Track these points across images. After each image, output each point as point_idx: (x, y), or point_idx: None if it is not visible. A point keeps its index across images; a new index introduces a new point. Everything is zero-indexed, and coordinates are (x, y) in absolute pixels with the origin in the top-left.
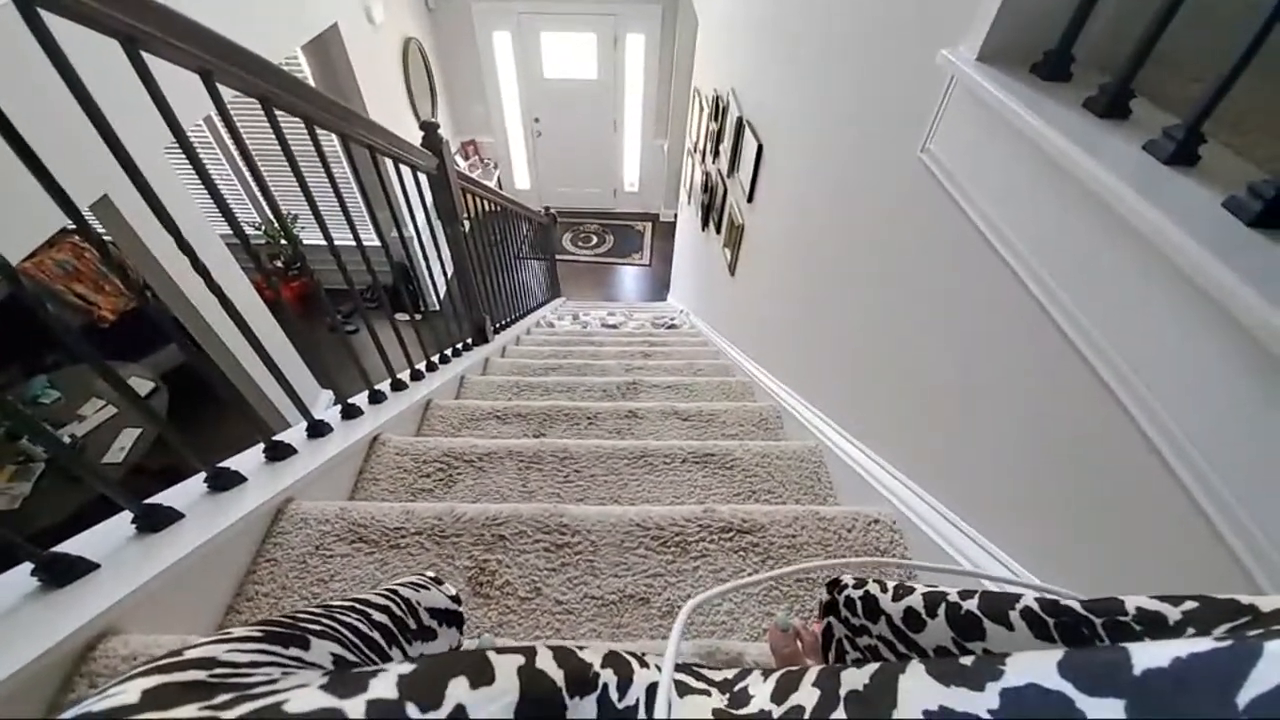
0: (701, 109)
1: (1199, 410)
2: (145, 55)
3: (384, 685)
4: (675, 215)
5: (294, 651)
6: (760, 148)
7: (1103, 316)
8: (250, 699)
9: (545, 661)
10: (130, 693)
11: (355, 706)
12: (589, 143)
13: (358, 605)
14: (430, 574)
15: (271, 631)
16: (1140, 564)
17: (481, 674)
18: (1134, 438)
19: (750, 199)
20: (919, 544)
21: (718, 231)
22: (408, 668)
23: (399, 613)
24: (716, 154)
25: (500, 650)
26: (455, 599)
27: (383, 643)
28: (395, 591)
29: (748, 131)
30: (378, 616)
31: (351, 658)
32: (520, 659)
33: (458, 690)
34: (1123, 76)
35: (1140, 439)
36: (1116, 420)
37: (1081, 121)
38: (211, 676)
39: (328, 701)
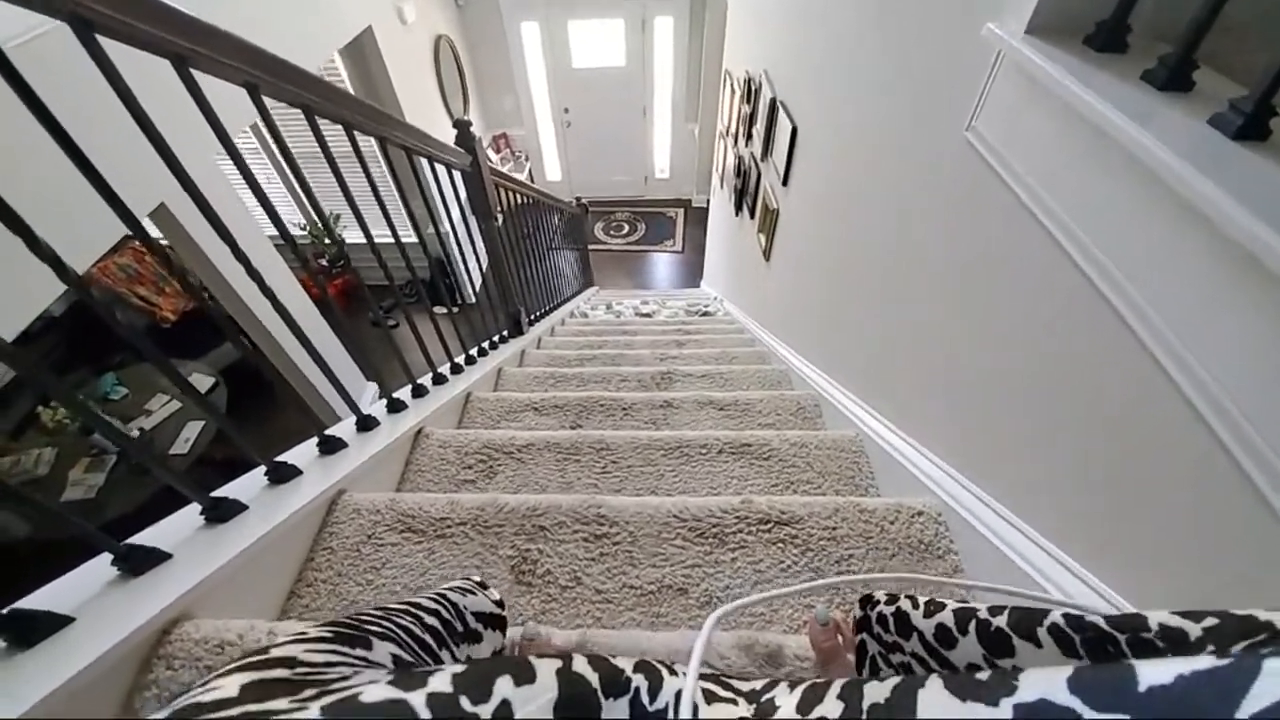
0: (733, 92)
1: (1265, 399)
2: (194, 72)
3: (441, 681)
4: (707, 201)
5: (359, 652)
6: (795, 130)
7: (1164, 301)
8: (330, 694)
9: (581, 666)
10: (230, 687)
11: (417, 698)
12: (619, 130)
13: (411, 609)
14: (476, 578)
15: (340, 633)
16: (1192, 552)
17: (524, 674)
18: (1189, 420)
19: (785, 182)
20: (964, 536)
21: (751, 216)
22: (460, 667)
23: (447, 615)
24: (749, 137)
25: (540, 655)
26: (499, 604)
27: (433, 644)
28: (444, 596)
29: (782, 113)
30: (429, 620)
31: (407, 658)
32: (558, 663)
33: (503, 687)
34: (1184, 46)
35: (1197, 421)
36: (1172, 404)
37: (1140, 95)
38: (295, 674)
39: (394, 694)
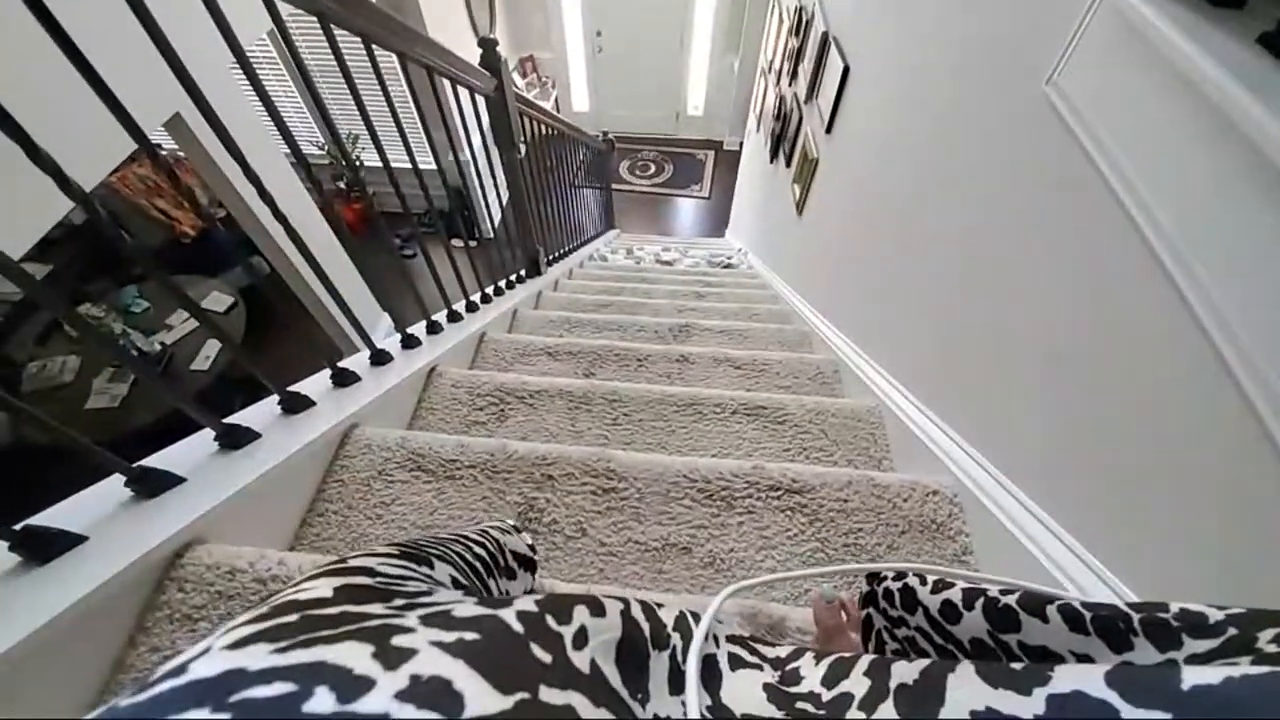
0: (781, 22)
1: None
2: None
3: (525, 603)
4: (740, 144)
5: (425, 570)
6: (846, 70)
7: (1250, 307)
8: (420, 606)
9: (637, 612)
10: (323, 588)
11: (508, 614)
12: (653, 59)
13: (461, 539)
14: (511, 522)
15: (405, 551)
16: (1229, 570)
17: (597, 606)
18: (1267, 454)
19: (829, 130)
20: (978, 519)
21: (787, 165)
22: (539, 595)
23: (492, 550)
24: (794, 75)
25: (605, 594)
26: (531, 548)
27: (483, 571)
28: (487, 532)
29: (833, 50)
30: (477, 550)
31: (463, 581)
32: (620, 604)
33: (581, 614)
34: None
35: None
36: (1245, 421)
37: (1256, 61)
38: (377, 583)
39: (486, 610)
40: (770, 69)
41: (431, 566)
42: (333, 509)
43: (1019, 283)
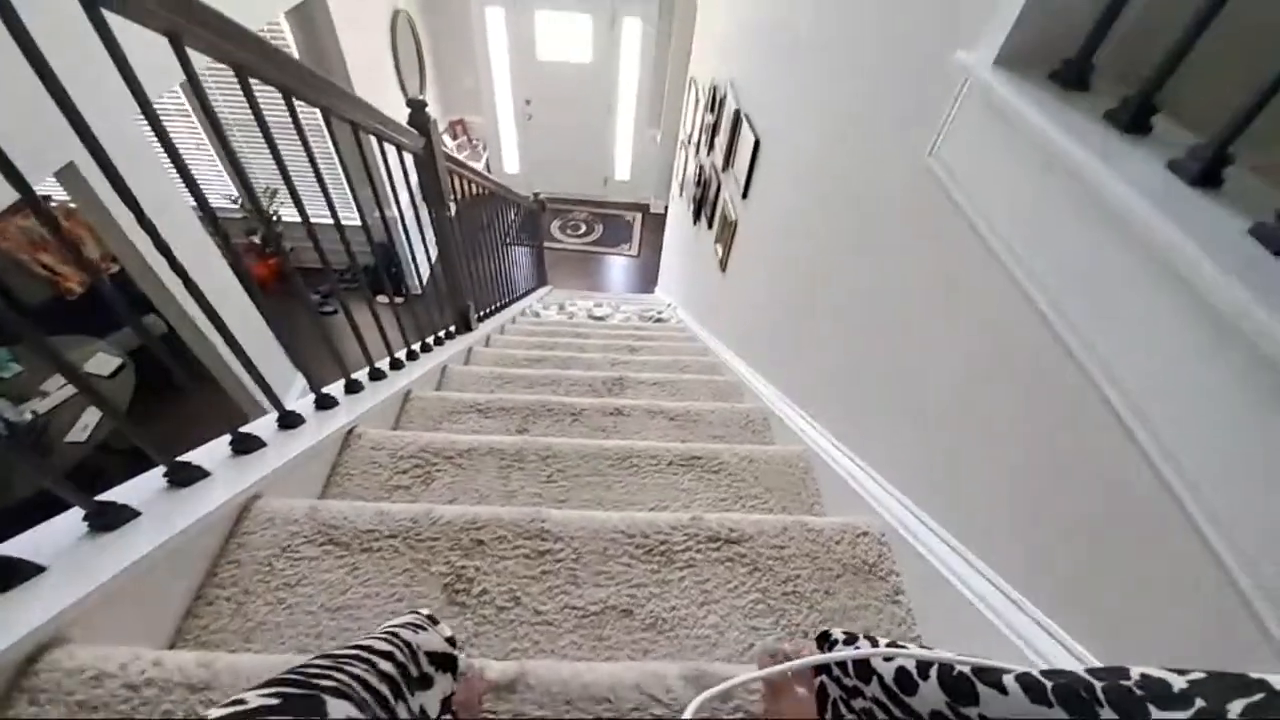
0: (697, 100)
1: (1209, 442)
2: (107, 14)
3: None
4: (666, 207)
5: None
6: (757, 142)
7: (1115, 339)
8: None
9: None
10: None
11: None
12: (581, 128)
13: (363, 653)
14: (425, 611)
15: (287, 696)
16: (1152, 610)
17: None
18: (1142, 469)
19: (745, 195)
20: (908, 559)
21: (709, 226)
22: None
23: (402, 659)
24: (711, 147)
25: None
26: (450, 641)
27: (390, 696)
28: (396, 634)
29: (745, 125)
30: (383, 665)
31: (364, 718)
32: None
33: None
34: (1146, 90)
35: (1149, 471)
36: (1126, 452)
37: (1103, 134)
38: None
39: None
40: (690, 141)
41: (323, 712)
42: (224, 595)
43: (920, 334)
